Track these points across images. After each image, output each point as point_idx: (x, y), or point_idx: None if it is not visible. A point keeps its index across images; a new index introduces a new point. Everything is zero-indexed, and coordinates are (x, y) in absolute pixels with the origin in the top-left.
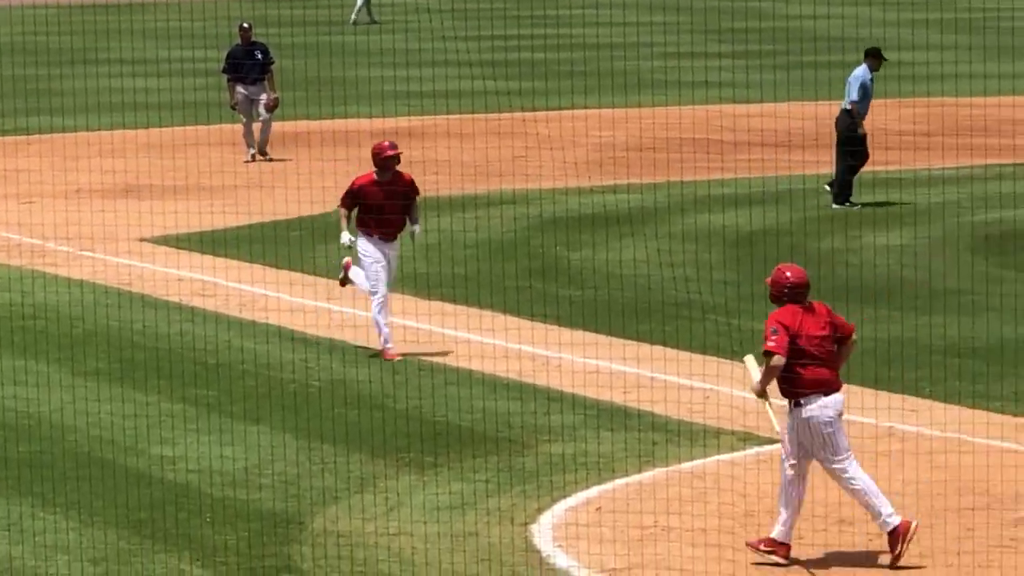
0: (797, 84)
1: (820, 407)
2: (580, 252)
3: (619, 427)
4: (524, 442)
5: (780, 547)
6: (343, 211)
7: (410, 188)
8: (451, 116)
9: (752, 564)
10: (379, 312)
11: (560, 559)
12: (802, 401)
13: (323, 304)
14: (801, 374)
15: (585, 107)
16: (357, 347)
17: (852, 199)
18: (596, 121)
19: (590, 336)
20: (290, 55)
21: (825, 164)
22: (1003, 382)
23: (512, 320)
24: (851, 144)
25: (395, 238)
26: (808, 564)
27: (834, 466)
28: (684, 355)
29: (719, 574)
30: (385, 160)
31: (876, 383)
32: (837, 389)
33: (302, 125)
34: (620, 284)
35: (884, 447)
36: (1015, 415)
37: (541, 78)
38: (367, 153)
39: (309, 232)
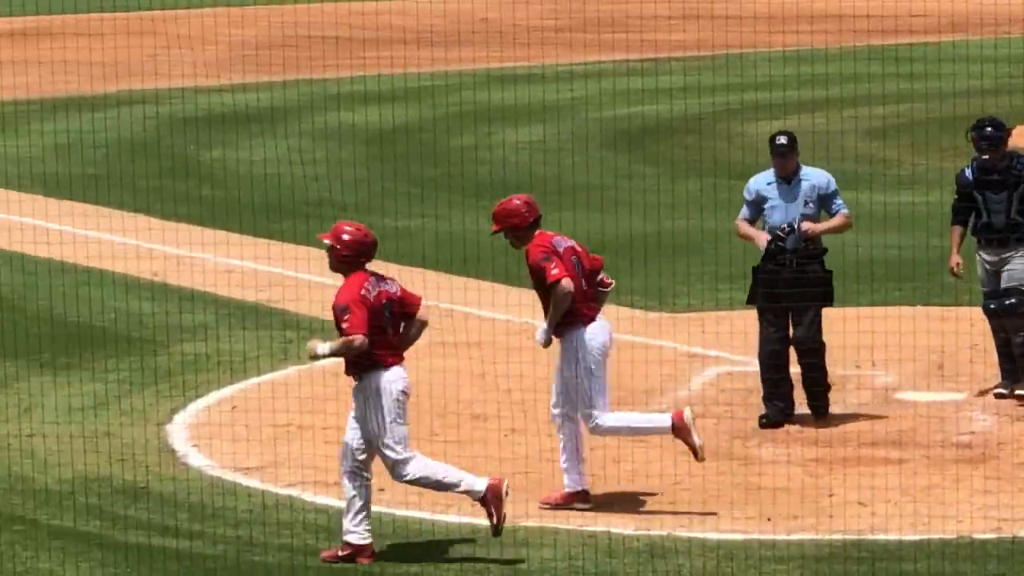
0: None
1: None
2: (213, 152)
3: (253, 325)
4: (159, 342)
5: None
6: None
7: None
8: (79, 15)
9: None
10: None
11: (195, 458)
12: None
13: None
14: None
15: (215, 6)
16: None
17: None
18: (226, 19)
19: (222, 235)
20: None
21: (453, 61)
22: (637, 277)
23: (146, 220)
24: None
25: None
26: None
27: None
28: (317, 253)
29: None
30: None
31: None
32: None
33: None
34: (253, 183)
35: None
36: (646, 309)
37: None
38: None
39: None
